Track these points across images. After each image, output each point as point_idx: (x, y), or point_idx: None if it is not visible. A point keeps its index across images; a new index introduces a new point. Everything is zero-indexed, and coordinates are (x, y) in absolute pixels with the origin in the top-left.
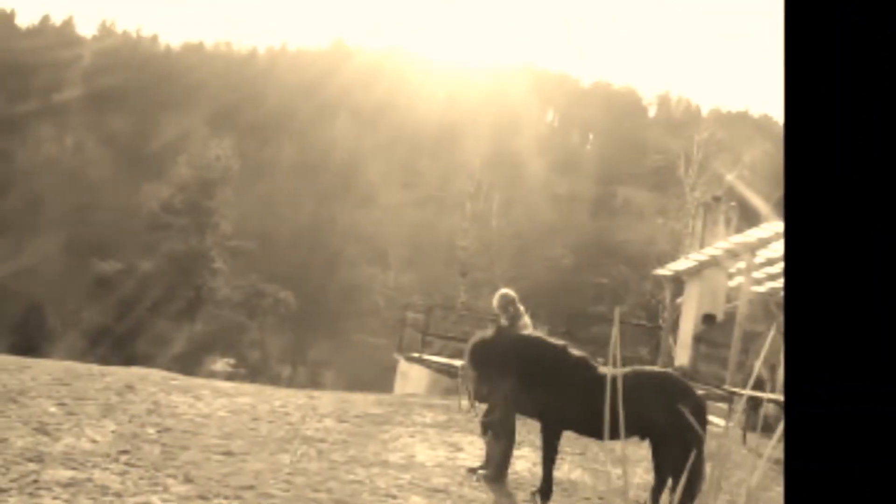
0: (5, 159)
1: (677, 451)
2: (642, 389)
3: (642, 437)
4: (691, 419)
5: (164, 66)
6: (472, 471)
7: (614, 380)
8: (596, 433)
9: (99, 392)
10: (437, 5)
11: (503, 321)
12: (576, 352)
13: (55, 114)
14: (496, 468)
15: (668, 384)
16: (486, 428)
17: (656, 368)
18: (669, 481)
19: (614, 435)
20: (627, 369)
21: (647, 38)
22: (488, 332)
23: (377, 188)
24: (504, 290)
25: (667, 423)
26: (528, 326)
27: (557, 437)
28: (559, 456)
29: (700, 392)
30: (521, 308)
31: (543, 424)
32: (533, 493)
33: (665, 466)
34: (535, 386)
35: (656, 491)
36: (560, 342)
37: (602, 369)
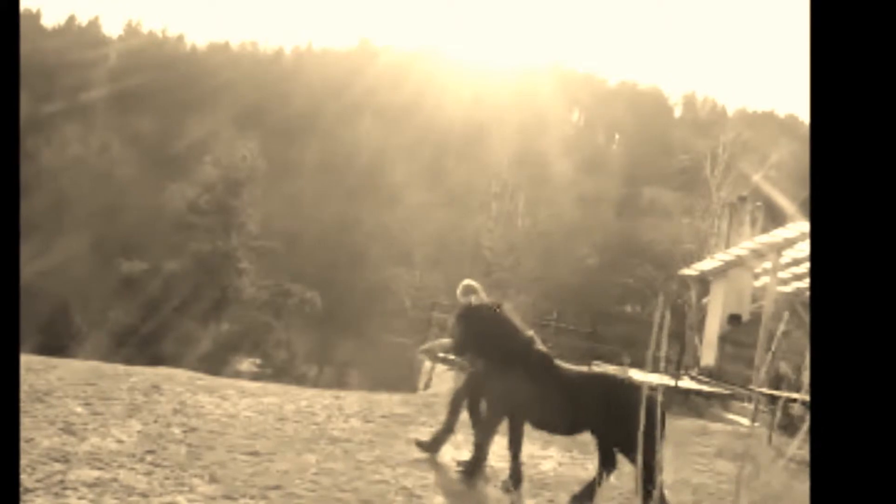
0: (31, 159)
1: (618, 449)
2: (590, 389)
3: (592, 433)
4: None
5: (190, 66)
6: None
7: (570, 377)
8: (550, 428)
9: (125, 392)
10: (464, 5)
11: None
12: (540, 346)
13: (81, 114)
14: (473, 462)
15: (615, 387)
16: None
17: (608, 373)
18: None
19: (566, 430)
20: (583, 369)
21: (673, 38)
22: (476, 302)
23: (403, 188)
24: (467, 281)
25: (607, 425)
26: None
27: (521, 425)
28: (586, 456)
29: (649, 392)
30: (484, 297)
31: (491, 412)
32: (504, 482)
33: (605, 462)
34: (497, 371)
35: (590, 485)
36: (529, 333)
37: (559, 366)
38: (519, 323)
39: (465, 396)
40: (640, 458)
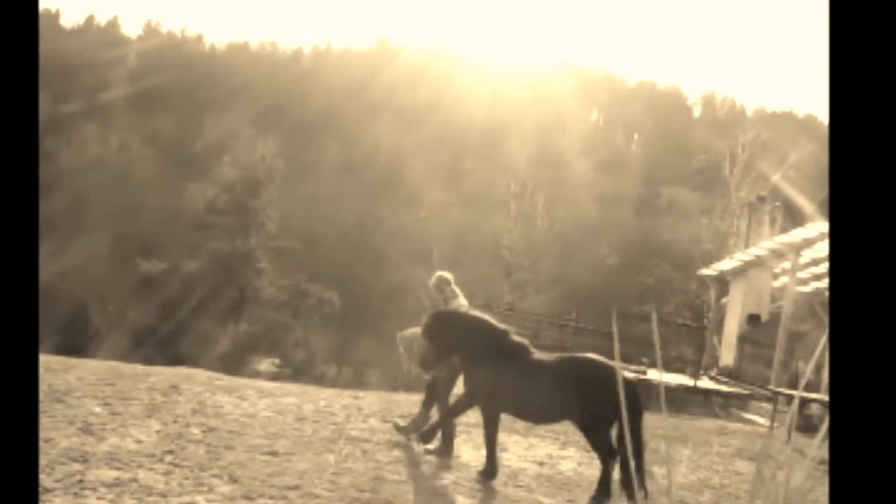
0: (51, 159)
1: (602, 434)
2: (568, 376)
3: (573, 421)
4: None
5: (208, 66)
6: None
7: (548, 366)
8: (530, 417)
9: (144, 392)
10: (483, 5)
11: (441, 301)
12: (516, 338)
13: (100, 114)
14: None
15: (592, 370)
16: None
17: (584, 355)
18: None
19: (546, 419)
20: (557, 356)
21: (692, 37)
22: (446, 307)
23: (422, 188)
24: (440, 273)
25: (590, 408)
26: (463, 307)
27: (496, 418)
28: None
29: (630, 376)
30: (457, 290)
31: (482, 406)
32: (480, 473)
33: (601, 450)
34: (475, 365)
35: (605, 480)
36: (502, 326)
37: (536, 356)
38: (490, 318)
39: (442, 385)
40: (627, 439)
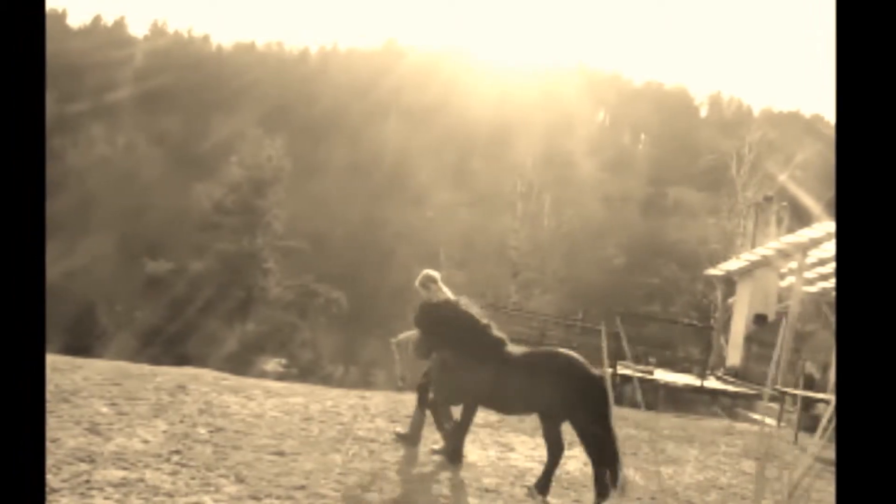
0: (57, 159)
1: (589, 428)
2: (536, 368)
3: (539, 414)
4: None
5: (215, 66)
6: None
7: (517, 359)
8: (502, 408)
9: (150, 392)
10: (490, 5)
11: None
12: (496, 332)
13: (107, 114)
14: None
15: (562, 364)
16: (424, 397)
17: (554, 349)
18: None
19: (515, 411)
20: (527, 350)
21: (698, 37)
22: (435, 300)
23: (429, 188)
24: (426, 271)
25: (557, 402)
26: None
27: (474, 410)
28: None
29: (599, 372)
30: (443, 286)
31: (462, 401)
32: (444, 454)
33: (552, 443)
34: (457, 359)
35: (549, 470)
36: (485, 321)
37: (510, 349)
38: (476, 312)
39: (430, 386)
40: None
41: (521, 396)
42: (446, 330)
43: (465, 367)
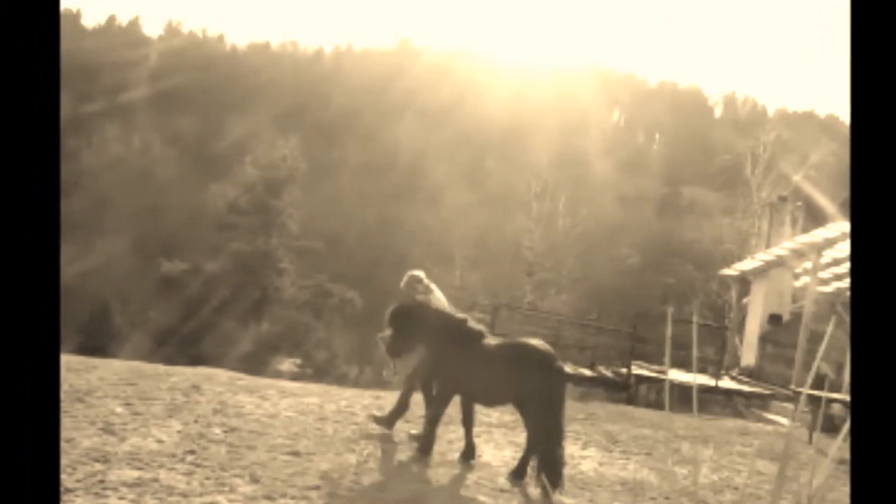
0: (72, 160)
1: (541, 419)
2: (511, 360)
3: (515, 405)
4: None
5: (230, 67)
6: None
7: (491, 350)
8: (480, 400)
9: (165, 392)
10: (504, 5)
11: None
12: (474, 325)
13: (121, 114)
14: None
15: (530, 354)
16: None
17: (523, 340)
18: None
19: (494, 402)
20: (501, 341)
21: (713, 37)
22: (409, 300)
23: (443, 188)
24: (410, 272)
25: (530, 392)
26: (440, 300)
27: (447, 403)
28: (626, 456)
29: (565, 369)
30: (432, 285)
31: (437, 390)
32: (416, 449)
33: (533, 434)
34: (436, 354)
35: (524, 459)
36: (461, 316)
37: (486, 340)
38: (449, 309)
39: (418, 378)
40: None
41: (492, 387)
42: (418, 327)
43: (444, 361)
